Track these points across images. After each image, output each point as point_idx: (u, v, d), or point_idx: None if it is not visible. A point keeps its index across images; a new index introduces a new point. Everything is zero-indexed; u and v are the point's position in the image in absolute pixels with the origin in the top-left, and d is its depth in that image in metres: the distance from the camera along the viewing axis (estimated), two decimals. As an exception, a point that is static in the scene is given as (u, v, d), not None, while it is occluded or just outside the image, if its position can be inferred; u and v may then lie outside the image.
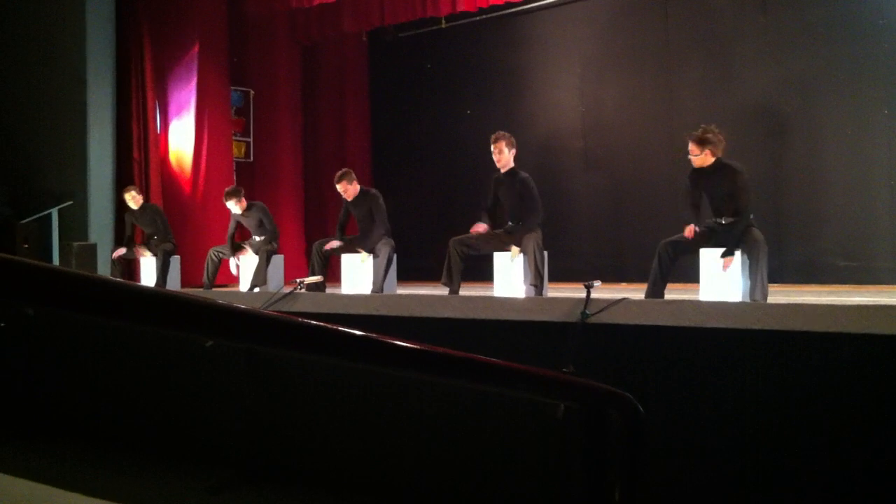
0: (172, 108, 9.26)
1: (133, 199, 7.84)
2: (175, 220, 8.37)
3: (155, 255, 7.78)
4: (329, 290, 6.50)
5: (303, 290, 4.72)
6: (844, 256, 7.14)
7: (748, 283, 5.00)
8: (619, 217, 8.62)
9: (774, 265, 6.09)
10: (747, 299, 4.89)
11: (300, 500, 3.91)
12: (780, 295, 5.61)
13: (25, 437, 4.86)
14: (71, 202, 8.50)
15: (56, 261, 8.10)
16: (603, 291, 4.08)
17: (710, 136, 5.16)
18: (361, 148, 10.65)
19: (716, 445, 3.21)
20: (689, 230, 5.18)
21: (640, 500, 1.73)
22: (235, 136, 9.81)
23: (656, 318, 3.41)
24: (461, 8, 8.50)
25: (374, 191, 6.93)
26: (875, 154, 7.08)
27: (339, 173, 6.86)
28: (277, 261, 7.56)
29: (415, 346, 1.39)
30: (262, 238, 7.41)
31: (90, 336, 4.98)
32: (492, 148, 6.09)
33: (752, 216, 5.16)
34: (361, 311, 4.24)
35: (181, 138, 9.19)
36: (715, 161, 5.19)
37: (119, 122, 8.91)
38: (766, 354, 3.14)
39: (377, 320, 4.10)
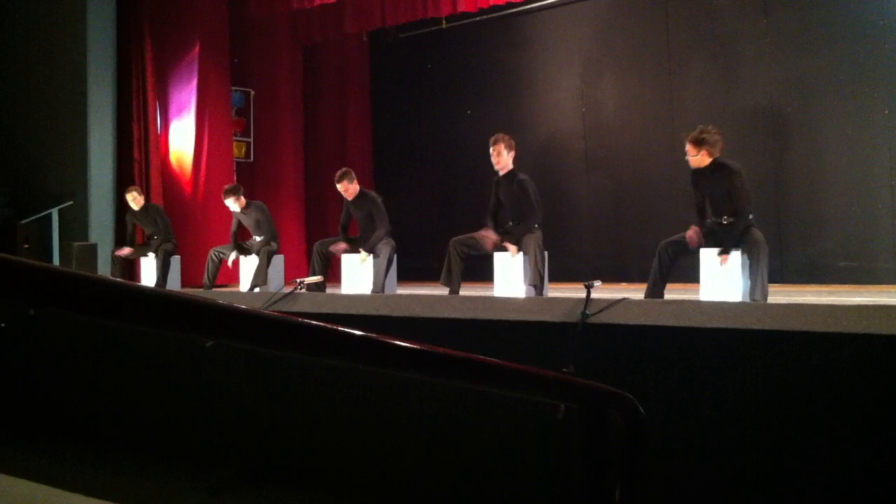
0: (173, 108, 9.26)
1: (134, 200, 7.85)
2: (175, 221, 8.38)
3: (155, 255, 7.79)
4: (329, 291, 6.50)
5: (303, 291, 4.72)
6: (845, 257, 7.14)
7: (748, 283, 5.00)
8: (620, 217, 8.62)
9: (775, 265, 6.09)
10: (747, 299, 4.89)
11: (300, 500, 3.91)
12: (781, 295, 5.61)
13: (26, 438, 4.86)
14: (71, 202, 8.51)
15: (56, 261, 8.10)
16: (603, 291, 4.07)
17: (706, 136, 5.16)
18: (362, 148, 10.66)
19: (716, 445, 3.20)
20: (693, 239, 5.16)
21: (641, 500, 1.73)
22: (236, 136, 9.81)
23: (656, 319, 3.40)
24: (462, 8, 8.50)
25: (372, 193, 6.95)
26: (876, 154, 7.08)
27: (339, 173, 6.88)
28: (278, 261, 7.56)
29: (415, 347, 1.39)
30: (261, 238, 7.42)
31: (90, 336, 4.98)
32: (490, 150, 6.09)
33: (751, 216, 5.16)
34: (362, 311, 4.24)
35: (182, 138, 9.19)
36: (712, 161, 5.19)
37: (119, 123, 8.91)
38: (766, 354, 3.14)
39: (377, 320, 4.10)
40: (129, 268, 8.17)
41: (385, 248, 6.57)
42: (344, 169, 6.96)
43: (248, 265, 7.38)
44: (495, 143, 6.07)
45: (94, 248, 8.25)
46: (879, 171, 7.04)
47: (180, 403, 4.61)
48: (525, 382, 1.74)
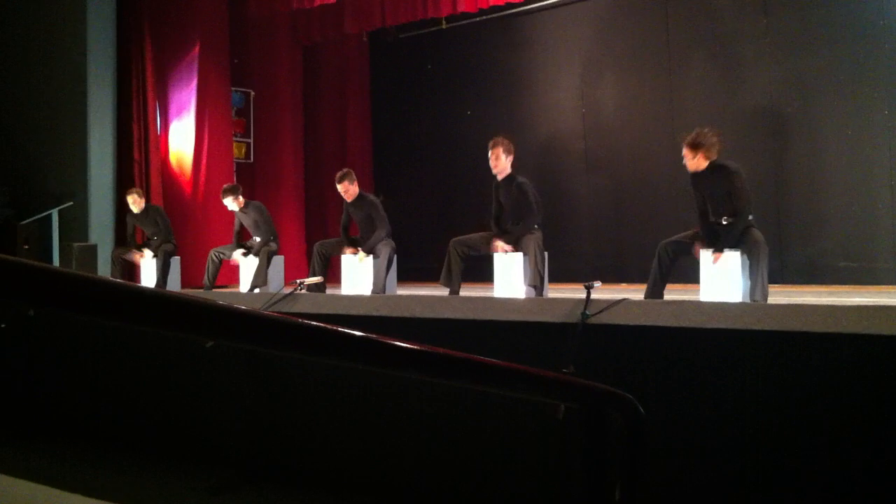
0: (173, 108, 9.26)
1: (135, 203, 7.85)
2: (175, 221, 8.38)
3: (155, 255, 7.79)
4: (329, 291, 6.50)
5: (303, 291, 4.72)
6: (845, 257, 7.14)
7: (748, 283, 4.99)
8: (620, 218, 8.62)
9: (775, 266, 6.09)
10: (747, 300, 4.89)
11: (300, 500, 3.91)
12: (781, 295, 5.61)
13: (26, 438, 4.86)
14: (71, 203, 8.51)
15: (56, 261, 8.10)
16: (603, 292, 4.08)
17: (702, 139, 5.15)
18: (362, 148, 10.66)
19: (716, 446, 3.21)
20: (697, 249, 5.19)
21: (641, 500, 1.73)
22: (236, 136, 9.81)
23: (657, 319, 3.40)
24: (462, 9, 8.50)
25: (371, 196, 6.98)
26: (876, 154, 7.08)
27: (340, 173, 6.89)
28: (278, 261, 7.56)
29: (415, 347, 1.39)
30: (260, 239, 7.43)
31: (90, 337, 4.98)
32: (489, 153, 6.10)
33: (751, 217, 5.16)
34: (362, 311, 4.24)
35: (182, 139, 9.19)
36: (710, 164, 5.19)
37: (119, 123, 8.91)
38: (766, 355, 3.14)
39: (377, 321, 4.10)
40: (130, 268, 8.17)
41: (385, 248, 6.57)
42: (345, 170, 6.98)
43: (248, 266, 7.38)
44: (494, 146, 6.07)
45: (94, 248, 8.25)
46: (879, 172, 7.04)
47: (180, 403, 4.61)
48: (525, 383, 1.74)
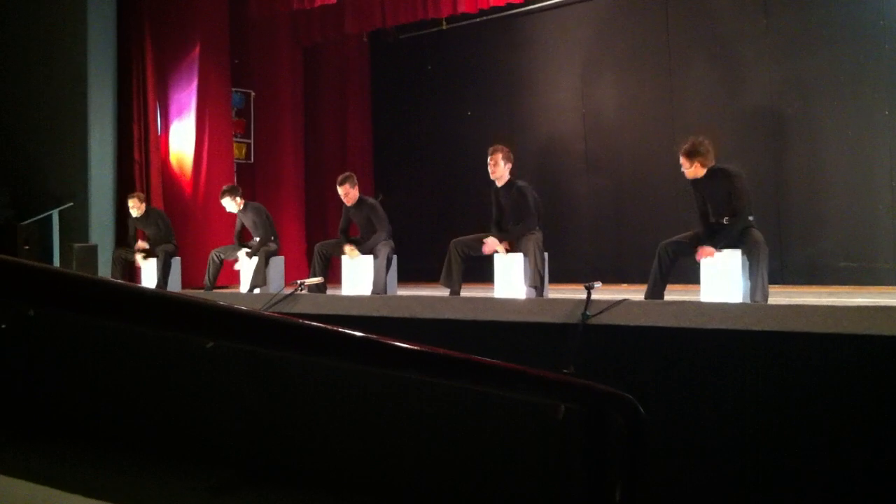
0: (173, 109, 9.27)
1: (136, 207, 7.85)
2: (176, 222, 8.38)
3: (156, 256, 7.79)
4: (330, 292, 6.50)
5: (304, 292, 4.73)
6: (845, 257, 7.14)
7: (749, 284, 5.00)
8: (620, 218, 8.62)
9: (775, 266, 6.09)
10: (748, 300, 4.89)
11: (300, 500, 3.92)
12: (781, 296, 5.61)
13: (26, 439, 4.86)
14: (71, 203, 8.50)
15: (57, 262, 8.10)
16: (603, 292, 4.08)
17: (699, 148, 5.17)
18: (362, 149, 10.66)
19: (716, 446, 3.21)
20: (703, 253, 5.17)
21: (641, 500, 1.73)
22: (236, 137, 9.81)
23: (657, 320, 3.41)
24: (462, 9, 8.50)
25: (371, 199, 7.01)
26: (876, 155, 7.08)
27: (341, 176, 6.89)
28: (278, 262, 7.57)
29: (415, 348, 1.39)
30: (259, 239, 7.43)
31: (91, 337, 4.98)
32: (488, 159, 6.11)
33: (752, 217, 5.16)
34: (362, 312, 4.24)
35: (182, 140, 9.19)
36: (709, 170, 5.21)
37: (120, 124, 8.91)
38: (766, 355, 3.14)
39: (378, 321, 4.10)
40: (130, 269, 8.17)
41: (384, 248, 6.58)
42: (347, 173, 6.99)
43: (248, 266, 7.38)
44: (493, 153, 6.09)
45: (94, 249, 8.25)
46: (880, 172, 7.04)
47: (180, 403, 4.61)
48: (525, 383, 1.74)
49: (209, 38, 9.24)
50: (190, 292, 7.33)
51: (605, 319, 3.47)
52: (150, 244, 7.97)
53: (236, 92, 9.81)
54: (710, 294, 5.12)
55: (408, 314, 4.06)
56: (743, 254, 5.05)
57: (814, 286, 6.98)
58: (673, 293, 5.28)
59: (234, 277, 7.91)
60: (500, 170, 6.09)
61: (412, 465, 3.85)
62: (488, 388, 2.22)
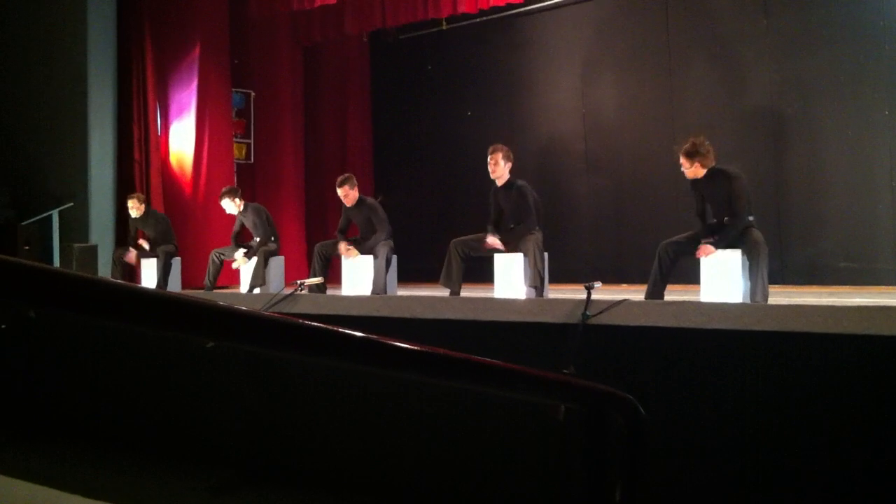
0: (173, 109, 9.26)
1: (135, 207, 7.85)
2: (176, 222, 8.38)
3: (156, 256, 7.79)
4: (330, 292, 6.50)
5: (304, 292, 4.73)
6: (845, 258, 7.14)
7: (749, 284, 5.00)
8: (620, 218, 8.62)
9: (775, 266, 6.09)
10: (748, 300, 4.89)
11: (300, 500, 3.92)
12: (781, 296, 5.61)
13: (27, 439, 4.86)
14: (72, 204, 8.50)
15: (57, 262, 8.09)
16: (603, 293, 4.08)
17: (700, 149, 5.18)
18: (362, 149, 10.66)
19: (716, 446, 3.21)
20: (703, 251, 5.16)
21: (641, 500, 1.73)
22: (236, 137, 9.81)
23: (657, 320, 3.41)
24: (462, 9, 8.50)
25: (370, 200, 7.00)
26: (876, 155, 7.08)
27: (341, 178, 6.89)
28: (278, 262, 7.56)
29: (415, 348, 1.39)
30: (259, 240, 7.43)
31: (91, 337, 4.98)
32: (488, 159, 6.11)
33: (752, 217, 5.17)
34: (362, 312, 4.24)
35: (182, 140, 9.19)
36: (708, 171, 5.22)
37: (120, 124, 8.91)
38: (766, 355, 3.14)
39: (378, 322, 4.10)
40: (130, 269, 8.17)
41: (384, 248, 6.58)
42: (346, 174, 6.99)
43: (248, 267, 7.38)
44: (493, 152, 6.09)
45: (94, 249, 8.25)
46: (880, 172, 7.04)
47: (180, 403, 4.61)
48: (526, 383, 1.74)
49: (209, 39, 9.24)
50: (190, 292, 7.33)
51: (605, 319, 3.47)
52: (150, 245, 7.97)
53: (236, 92, 9.81)
54: (710, 294, 5.12)
55: (408, 314, 4.06)
56: (743, 254, 5.05)
57: (814, 286, 6.97)
58: (673, 293, 5.28)
59: (235, 278, 7.91)
60: (500, 169, 6.09)
61: (412, 465, 3.85)
62: (488, 389, 2.22)
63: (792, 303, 4.16)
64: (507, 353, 3.43)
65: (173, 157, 9.25)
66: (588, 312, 3.48)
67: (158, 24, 9.10)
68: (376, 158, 10.71)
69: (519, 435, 3.51)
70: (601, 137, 8.83)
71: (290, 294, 4.59)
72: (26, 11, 8.98)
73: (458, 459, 3.71)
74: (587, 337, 3.41)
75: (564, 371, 3.11)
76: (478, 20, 9.32)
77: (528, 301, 4.69)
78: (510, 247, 6.03)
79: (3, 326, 5.12)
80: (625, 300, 3.56)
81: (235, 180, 9.47)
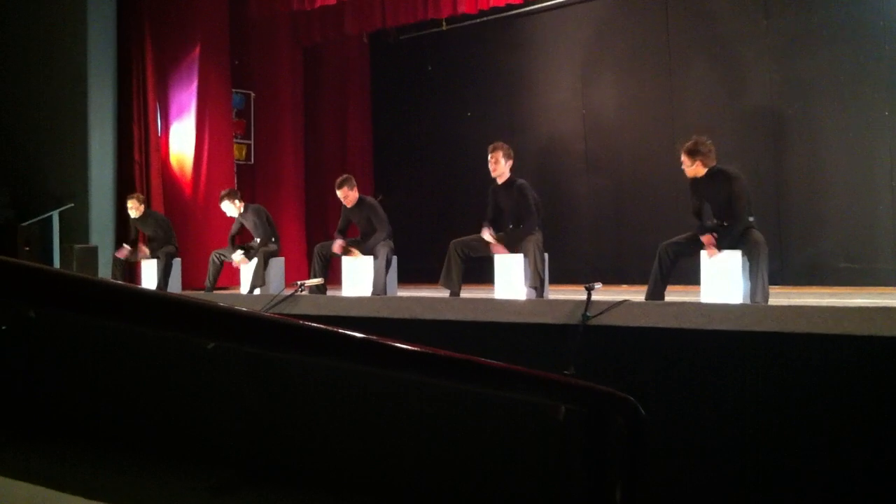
0: (173, 109, 9.26)
1: (134, 208, 7.85)
2: (176, 223, 8.38)
3: (156, 257, 7.79)
4: (330, 293, 6.51)
5: (304, 293, 4.73)
6: (846, 258, 7.13)
7: (749, 284, 5.00)
8: (620, 219, 8.62)
9: (775, 267, 6.08)
10: (748, 301, 4.89)
11: (300, 500, 3.92)
12: (782, 297, 5.61)
13: (27, 439, 4.86)
14: (72, 204, 8.50)
15: (57, 263, 8.09)
16: (604, 293, 4.08)
17: (701, 147, 5.19)
18: (363, 150, 10.66)
19: (716, 446, 3.21)
20: (710, 247, 5.14)
21: (641, 500, 1.73)
22: (236, 138, 9.81)
23: (657, 320, 3.41)
24: (462, 10, 8.50)
25: (370, 199, 7.00)
26: (876, 156, 7.08)
27: (339, 179, 6.89)
28: (279, 263, 7.56)
29: (416, 349, 1.39)
30: (259, 240, 7.43)
31: (91, 338, 4.98)
32: (489, 157, 6.11)
33: (752, 218, 5.17)
34: (363, 313, 4.24)
35: (182, 140, 9.19)
36: (709, 170, 5.23)
37: (120, 124, 8.91)
38: (767, 356, 3.14)
39: (378, 322, 4.10)
40: (131, 270, 8.17)
41: (384, 249, 6.57)
42: (345, 175, 6.98)
43: (248, 268, 7.38)
44: (493, 150, 6.09)
45: (94, 250, 8.25)
46: (880, 173, 7.04)
47: (180, 403, 4.61)
48: (526, 384, 1.74)
49: (209, 39, 9.24)
50: (190, 293, 7.34)
51: (605, 320, 3.47)
52: (149, 246, 7.97)
53: (236, 93, 9.81)
54: (710, 295, 5.13)
55: (408, 315, 4.06)
56: (743, 254, 5.06)
57: (814, 287, 6.97)
58: (673, 294, 5.28)
59: (235, 279, 7.91)
60: (500, 167, 6.08)
61: (412, 465, 3.85)
62: (489, 390, 2.22)
63: (792, 303, 4.16)
64: (507, 353, 3.43)
65: (173, 158, 9.25)
66: (588, 313, 3.48)
67: (158, 25, 9.10)
68: (376, 159, 10.71)
69: (519, 435, 3.51)
70: (601, 137, 8.83)
71: (291, 295, 4.59)
72: (26, 11, 8.98)
73: (458, 459, 3.71)
74: (587, 338, 3.41)
75: (565, 372, 3.11)
76: (478, 20, 9.33)
77: (528, 302, 4.69)
78: (512, 248, 6.02)
79: (4, 327, 5.12)
80: (625, 301, 3.56)
81: (235, 181, 9.47)
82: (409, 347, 1.37)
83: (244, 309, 1.12)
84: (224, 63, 9.44)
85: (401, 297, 5.74)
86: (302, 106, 10.41)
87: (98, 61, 8.73)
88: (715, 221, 5.29)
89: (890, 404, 2.91)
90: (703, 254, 5.22)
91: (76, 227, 8.51)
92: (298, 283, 4.79)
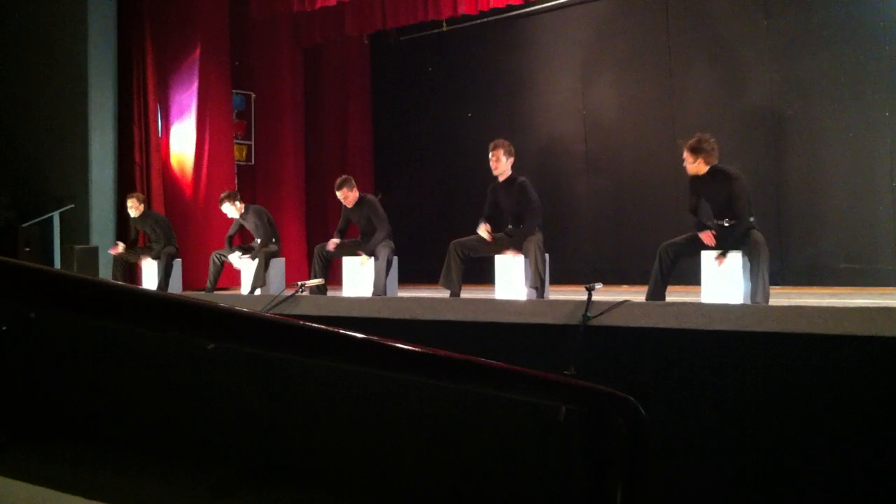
0: (174, 110, 9.26)
1: (134, 207, 7.84)
2: (177, 223, 8.38)
3: (157, 258, 7.79)
4: (330, 293, 6.51)
5: (304, 293, 4.73)
6: (846, 258, 7.13)
7: (749, 285, 5.00)
8: (621, 219, 8.62)
9: (776, 267, 6.09)
10: (749, 301, 4.89)
11: (300, 500, 3.92)
12: (782, 297, 5.61)
13: (28, 440, 4.86)
14: (72, 205, 8.50)
15: (57, 264, 8.10)
16: (604, 294, 4.08)
17: (704, 145, 5.19)
18: (363, 150, 10.66)
19: (716, 446, 3.21)
20: (709, 238, 5.14)
21: (641, 500, 1.73)
22: (237, 138, 9.81)
23: (658, 321, 3.41)
24: (462, 11, 8.50)
25: (370, 197, 6.99)
26: (877, 156, 7.08)
27: (339, 180, 6.88)
28: (279, 263, 7.56)
29: (417, 350, 1.39)
30: (259, 241, 7.42)
31: (91, 338, 4.98)
32: (489, 155, 6.09)
33: (752, 219, 5.17)
34: (363, 313, 4.24)
35: (183, 141, 9.19)
36: (710, 168, 5.22)
37: (120, 125, 8.91)
38: (767, 356, 3.14)
39: (379, 323, 4.10)
40: (131, 271, 8.17)
41: (384, 250, 6.57)
42: (344, 177, 6.96)
43: (249, 268, 7.38)
44: (494, 148, 6.07)
45: (95, 250, 8.25)
46: (880, 173, 7.04)
47: (181, 404, 4.61)
48: (526, 385, 1.74)
49: (210, 39, 9.24)
50: (191, 294, 7.34)
51: (605, 321, 3.48)
52: (149, 245, 7.97)
53: (237, 93, 9.81)
54: (710, 295, 5.13)
55: (408, 315, 4.06)
56: (744, 255, 5.06)
57: (814, 287, 6.97)
58: (674, 294, 5.28)
59: (235, 279, 7.91)
60: (502, 165, 6.07)
61: (412, 465, 3.85)
62: (490, 390, 2.22)
63: (792, 304, 4.16)
64: (507, 354, 3.43)
65: (174, 159, 9.25)
66: (589, 314, 3.48)
67: (159, 25, 9.10)
68: (377, 160, 10.72)
69: (519, 435, 3.51)
70: (601, 138, 8.83)
71: (291, 295, 4.60)
72: (26, 11, 8.98)
73: (458, 459, 3.71)
74: (588, 338, 3.41)
75: (565, 372, 3.11)
76: (478, 21, 9.32)
77: (528, 302, 4.69)
78: (515, 248, 5.98)
79: (4, 327, 5.12)
80: (625, 301, 3.56)
81: (236, 182, 9.47)
82: (409, 348, 1.37)
83: (245, 309, 1.12)
84: (224, 64, 9.44)
85: (401, 298, 5.74)
86: (302, 107, 10.41)
87: (98, 61, 8.74)
88: (715, 222, 5.29)
89: (890, 404, 2.91)
90: (704, 254, 5.22)
91: (77, 228, 8.51)
92: (299, 283, 4.80)
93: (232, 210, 7.46)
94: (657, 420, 3.08)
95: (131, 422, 4.79)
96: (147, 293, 1.04)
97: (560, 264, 6.77)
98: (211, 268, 7.46)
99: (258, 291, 7.05)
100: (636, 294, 4.99)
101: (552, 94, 9.20)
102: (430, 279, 7.00)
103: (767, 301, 4.85)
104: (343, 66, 10.65)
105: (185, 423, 4.58)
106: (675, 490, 3.21)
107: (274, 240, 7.50)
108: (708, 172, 5.24)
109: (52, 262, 8.12)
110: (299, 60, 10.34)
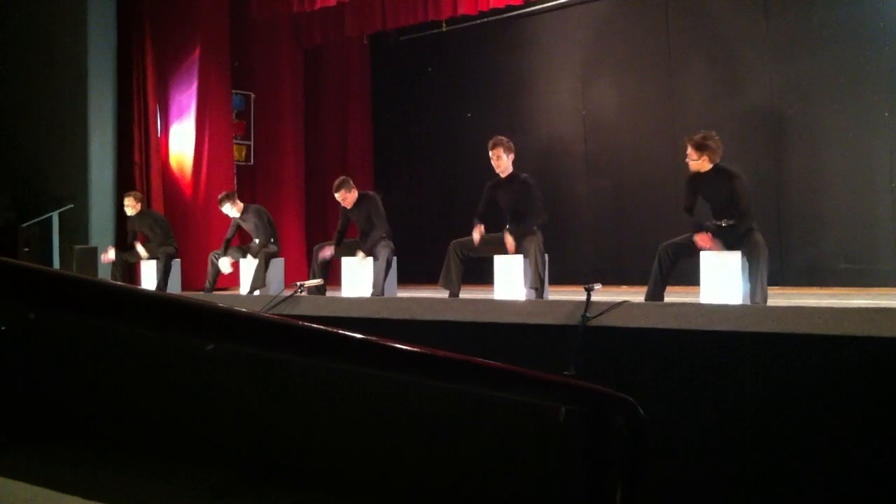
0: (173, 111, 9.26)
1: (131, 206, 7.83)
2: (176, 224, 8.37)
3: (156, 258, 7.78)
4: (329, 293, 6.50)
5: (304, 294, 4.73)
6: (846, 259, 7.14)
7: (749, 285, 5.00)
8: (620, 220, 8.62)
9: (775, 268, 6.09)
10: (748, 302, 4.89)
11: (300, 501, 3.92)
12: (782, 298, 5.61)
13: (27, 441, 4.86)
14: (72, 205, 8.50)
15: (57, 264, 8.10)
16: (603, 294, 4.08)
17: (709, 142, 5.16)
18: (363, 151, 10.66)
19: (716, 446, 3.21)
20: (706, 240, 5.11)
21: (641, 500, 1.73)
22: (236, 139, 9.81)
23: (657, 321, 3.41)
24: (462, 11, 8.50)
25: (371, 193, 6.96)
26: (876, 156, 7.08)
27: (337, 182, 6.85)
28: (278, 264, 7.56)
29: (416, 350, 1.39)
30: (259, 241, 7.41)
31: (91, 338, 4.98)
32: (490, 154, 6.08)
33: (754, 222, 5.16)
34: (362, 314, 4.24)
35: (182, 141, 9.19)
36: (713, 167, 5.21)
37: (120, 125, 8.91)
38: (766, 357, 3.14)
39: (378, 323, 4.10)
40: (131, 271, 8.17)
41: (384, 250, 6.57)
42: (341, 178, 6.93)
43: (249, 268, 7.38)
44: (493, 146, 6.05)
45: (94, 251, 8.24)
46: (880, 173, 7.04)
47: (180, 404, 4.61)
48: (526, 385, 1.74)
49: (209, 40, 9.24)
50: (190, 294, 7.34)
51: (605, 321, 3.48)
52: (147, 247, 7.96)
53: (236, 94, 9.81)
54: (710, 296, 5.12)
55: (408, 316, 4.06)
56: (743, 255, 5.05)
57: (814, 288, 6.97)
58: (673, 295, 5.28)
59: (235, 280, 7.91)
60: (503, 162, 6.05)
61: (412, 465, 3.85)
62: (489, 391, 2.22)
63: (792, 304, 4.16)
64: (507, 354, 3.43)
65: (173, 159, 9.25)
66: (588, 314, 3.48)
67: (158, 25, 9.10)
68: (377, 160, 10.72)
69: (519, 435, 3.51)
70: (601, 138, 8.84)
71: (291, 296, 4.60)
72: (26, 11, 8.98)
73: (458, 459, 3.71)
74: (587, 338, 3.41)
75: (565, 372, 3.11)
76: (478, 22, 9.33)
77: (528, 302, 4.69)
78: (517, 245, 5.95)
79: (4, 327, 5.12)
80: (625, 302, 3.57)
81: (235, 182, 9.47)
82: (408, 348, 1.37)
83: (244, 310, 1.12)
84: (224, 64, 9.44)
85: (400, 298, 5.74)
86: (302, 107, 10.42)
87: (98, 62, 8.73)
88: (713, 222, 5.27)
89: (890, 404, 2.91)
90: (703, 255, 5.21)
91: (76, 228, 8.51)
92: (298, 283, 4.80)
93: (232, 210, 7.46)
94: (657, 420, 3.08)
95: (131, 422, 4.79)
96: (146, 293, 1.04)
97: (560, 265, 6.77)
98: (210, 268, 7.46)
99: (257, 292, 7.04)
100: (636, 294, 4.99)
101: (552, 94, 9.20)
102: (430, 279, 7.00)
103: (766, 301, 4.85)
104: (343, 66, 10.65)
105: (185, 424, 4.58)
106: (675, 490, 3.21)
107: (273, 240, 7.49)
108: (709, 171, 5.22)
109: (51, 263, 8.12)
110: (299, 61, 10.34)
